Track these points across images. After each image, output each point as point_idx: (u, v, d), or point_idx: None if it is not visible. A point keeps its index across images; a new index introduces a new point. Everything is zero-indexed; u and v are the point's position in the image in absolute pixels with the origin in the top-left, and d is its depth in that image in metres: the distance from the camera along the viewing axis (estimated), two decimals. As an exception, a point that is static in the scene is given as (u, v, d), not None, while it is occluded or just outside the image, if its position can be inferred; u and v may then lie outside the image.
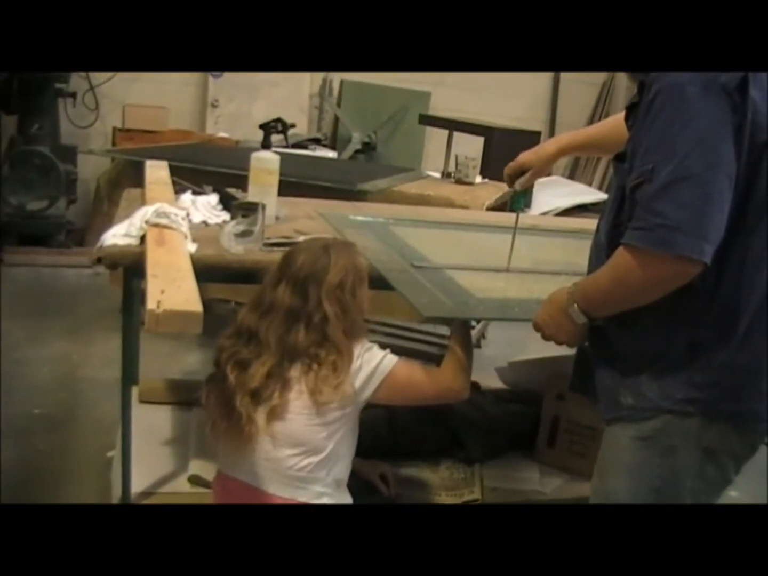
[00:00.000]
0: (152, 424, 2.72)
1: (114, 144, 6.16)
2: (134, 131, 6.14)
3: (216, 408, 1.92)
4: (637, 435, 1.57)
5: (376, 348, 1.97)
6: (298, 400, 1.87)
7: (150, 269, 1.76)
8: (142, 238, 2.15)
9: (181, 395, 2.93)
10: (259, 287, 1.99)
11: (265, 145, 2.70)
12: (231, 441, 1.90)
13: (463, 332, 2.07)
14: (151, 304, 1.50)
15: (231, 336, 1.96)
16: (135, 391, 2.80)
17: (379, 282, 2.09)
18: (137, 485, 2.34)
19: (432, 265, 2.26)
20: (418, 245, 2.51)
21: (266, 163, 2.59)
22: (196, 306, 1.53)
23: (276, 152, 2.64)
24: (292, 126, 3.18)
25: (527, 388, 3.15)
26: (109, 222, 3.89)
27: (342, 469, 1.98)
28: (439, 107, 6.91)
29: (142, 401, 2.91)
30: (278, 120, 2.85)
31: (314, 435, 1.89)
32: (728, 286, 1.47)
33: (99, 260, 2.15)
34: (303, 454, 1.89)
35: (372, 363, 1.93)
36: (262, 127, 2.73)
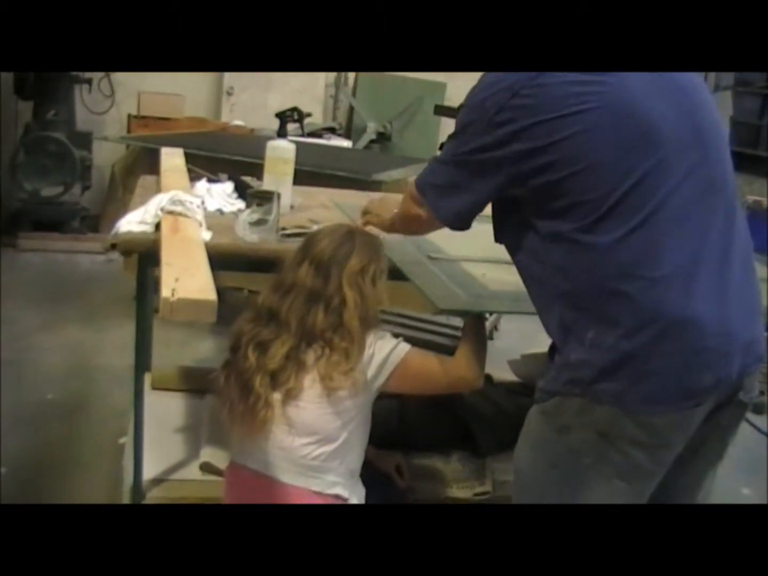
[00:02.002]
0: (164, 412, 2.72)
1: (129, 131, 6.17)
2: (149, 118, 6.15)
3: (234, 390, 1.92)
4: (540, 410, 1.62)
5: (388, 336, 1.97)
6: (311, 389, 1.88)
7: (164, 257, 1.76)
8: (157, 226, 2.15)
9: (194, 383, 2.93)
10: (281, 269, 1.98)
11: (281, 133, 2.69)
12: (246, 427, 1.90)
13: (477, 323, 2.07)
14: (165, 291, 1.50)
15: (251, 319, 1.96)
16: (147, 379, 2.81)
17: (394, 273, 2.09)
18: (148, 472, 2.34)
19: (447, 257, 2.25)
20: (434, 236, 2.49)
21: (282, 152, 2.58)
22: (210, 294, 1.53)
23: (291, 141, 2.63)
24: (308, 115, 3.18)
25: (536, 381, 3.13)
26: (124, 209, 3.90)
27: (355, 458, 1.98)
28: (454, 98, 6.87)
29: (154, 388, 2.91)
30: (294, 109, 2.86)
31: (328, 424, 1.89)
32: (594, 267, 1.49)
33: (113, 246, 2.15)
34: (317, 443, 1.89)
35: (384, 351, 1.93)
36: (278, 115, 2.73)
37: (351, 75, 7.04)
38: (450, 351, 2.08)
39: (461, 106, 1.65)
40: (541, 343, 3.43)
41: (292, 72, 6.26)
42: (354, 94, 7.08)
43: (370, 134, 6.84)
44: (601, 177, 1.47)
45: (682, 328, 1.47)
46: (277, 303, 1.93)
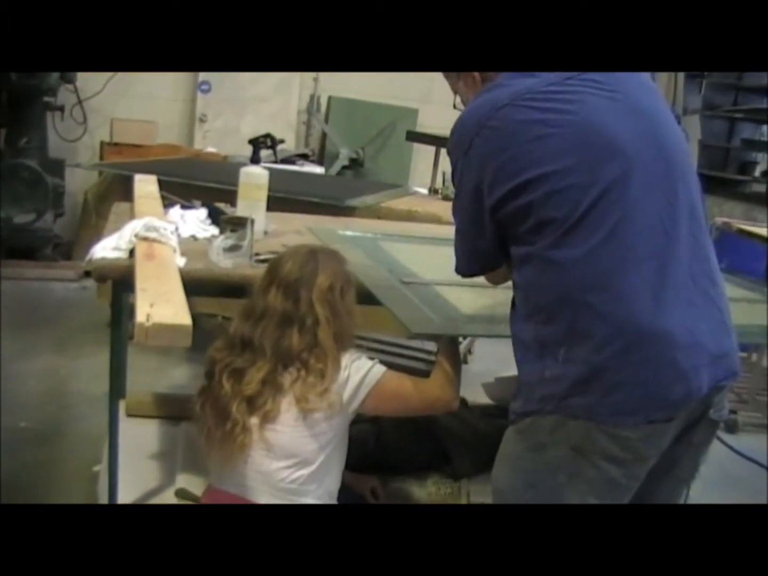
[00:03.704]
0: (139, 438, 2.71)
1: (102, 158, 6.17)
2: (122, 145, 6.15)
3: (210, 418, 1.93)
4: (515, 429, 1.65)
5: (364, 358, 1.99)
6: (288, 412, 1.89)
7: (139, 283, 1.77)
8: (131, 252, 2.16)
9: (169, 409, 2.92)
10: (249, 297, 2.00)
11: (254, 160, 2.71)
12: (224, 452, 1.91)
13: (452, 345, 2.10)
14: (140, 317, 1.51)
15: (223, 348, 1.98)
16: (122, 405, 2.80)
17: (367, 298, 2.11)
18: (123, 498, 2.33)
19: (420, 281, 2.27)
20: (407, 261, 2.53)
21: (255, 178, 2.60)
22: (185, 319, 1.54)
23: (264, 167, 2.65)
24: (281, 141, 3.19)
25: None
26: (97, 235, 3.90)
27: (333, 481, 1.99)
28: (425, 124, 6.93)
29: (129, 415, 2.90)
30: (267, 135, 2.87)
31: (305, 447, 1.91)
32: (564, 281, 1.52)
33: (87, 273, 2.16)
34: (294, 467, 1.90)
35: (360, 373, 1.95)
36: (251, 142, 2.75)
37: (323, 101, 7.08)
38: (425, 375, 2.10)
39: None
40: (514, 366, 3.45)
41: (266, 73, 6.29)
42: (326, 120, 7.12)
43: (342, 160, 6.87)
44: (566, 194, 1.52)
45: (651, 340, 1.50)
46: (250, 331, 1.94)
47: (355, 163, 6.98)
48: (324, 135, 7.12)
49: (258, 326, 1.94)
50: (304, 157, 6.46)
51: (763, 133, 7.37)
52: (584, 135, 1.54)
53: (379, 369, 1.98)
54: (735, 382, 1.67)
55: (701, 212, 1.66)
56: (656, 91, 1.69)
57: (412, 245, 2.87)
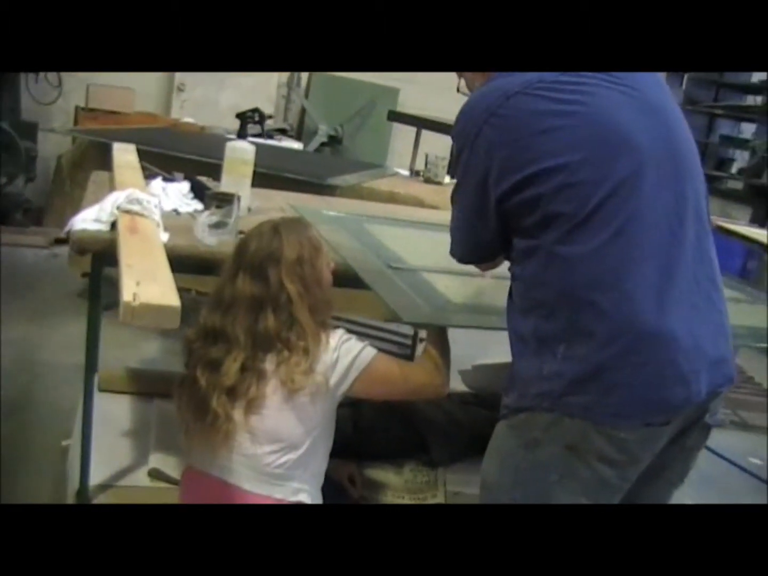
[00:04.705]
0: (111, 414, 2.65)
1: (76, 123, 6.05)
2: (98, 111, 6.03)
3: (188, 412, 1.88)
4: (508, 424, 1.63)
5: (354, 340, 1.95)
6: (275, 395, 1.85)
7: (124, 258, 1.70)
8: (113, 225, 2.09)
9: (142, 385, 2.86)
10: (216, 284, 1.95)
11: (241, 134, 2.64)
12: (207, 441, 1.86)
13: (440, 332, 2.06)
14: (126, 296, 1.44)
15: (197, 338, 1.92)
16: (95, 380, 2.74)
17: (353, 281, 2.06)
18: (95, 477, 2.27)
19: (408, 267, 2.23)
20: (393, 245, 2.48)
21: (242, 153, 2.54)
22: (173, 300, 1.48)
23: (251, 143, 2.59)
24: (270, 117, 3.12)
25: (492, 392, 3.12)
26: (71, 203, 3.82)
27: (318, 465, 1.96)
28: (407, 104, 6.88)
29: (101, 390, 2.83)
30: (255, 110, 2.80)
31: (292, 431, 1.86)
32: (569, 277, 1.49)
33: (58, 241, 2.10)
34: (281, 451, 1.86)
35: (350, 355, 1.91)
36: (239, 116, 2.68)
37: (304, 76, 7.00)
38: (400, 358, 2.06)
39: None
40: (491, 353, 3.45)
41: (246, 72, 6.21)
42: (306, 95, 7.04)
43: (321, 137, 6.81)
44: (577, 188, 1.48)
45: (654, 342, 1.48)
46: (221, 321, 1.89)
47: (333, 140, 6.93)
48: (303, 110, 7.05)
49: (228, 314, 1.89)
50: (283, 132, 6.38)
51: (741, 131, 7.40)
52: (597, 129, 1.50)
53: (370, 351, 1.94)
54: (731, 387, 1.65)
55: (706, 214, 1.64)
56: (667, 88, 1.66)
57: (397, 228, 2.82)
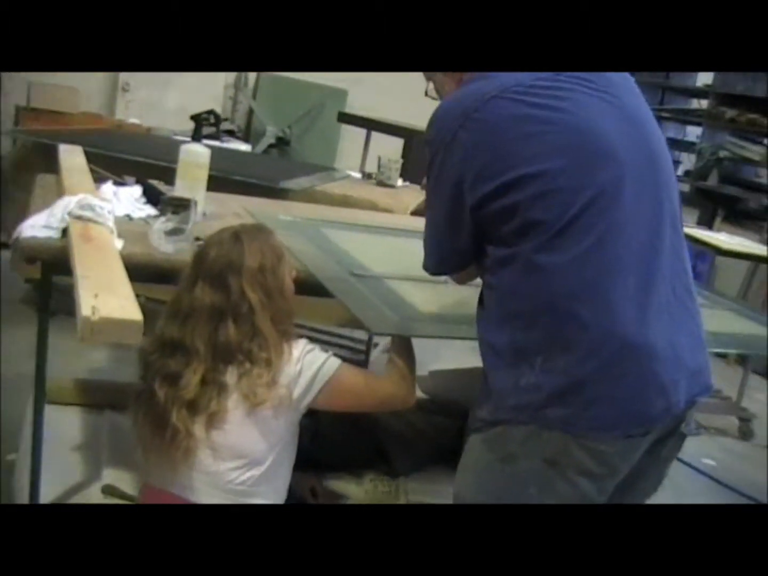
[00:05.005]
0: (60, 428, 2.55)
1: (17, 123, 5.86)
2: (41, 111, 5.84)
3: (146, 427, 1.80)
4: (482, 438, 1.58)
5: (317, 350, 1.90)
6: (236, 410, 1.78)
7: (79, 269, 1.62)
8: (64, 231, 2.00)
9: (92, 397, 2.76)
10: (174, 294, 1.87)
11: (196, 137, 2.57)
12: (166, 457, 1.78)
13: (405, 341, 2.02)
14: (85, 310, 1.36)
15: (154, 349, 1.84)
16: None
17: (317, 290, 2.01)
18: (45, 494, 2.18)
19: (371, 274, 2.17)
20: (353, 251, 2.42)
21: (196, 157, 2.46)
22: (135, 313, 1.40)
23: (210, 146, 2.51)
24: (226, 120, 3.04)
25: (451, 399, 3.08)
26: (14, 207, 3.68)
27: (282, 481, 1.91)
28: (355, 106, 6.82)
29: (49, 402, 2.71)
30: (211, 111, 2.71)
31: (255, 446, 1.80)
32: (548, 287, 1.46)
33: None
34: (244, 467, 1.80)
35: (314, 367, 1.86)
36: (193, 118, 2.60)
37: (251, 76, 6.90)
38: (354, 364, 2.01)
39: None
40: (445, 358, 3.40)
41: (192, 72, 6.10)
42: (254, 96, 6.94)
43: (269, 138, 6.72)
44: (557, 196, 1.45)
45: (635, 353, 1.45)
46: (179, 331, 1.82)
47: (281, 142, 6.85)
48: (251, 111, 6.96)
49: (187, 325, 1.81)
50: (230, 133, 6.27)
51: (686, 134, 7.48)
52: (578, 136, 1.47)
53: (334, 362, 1.88)
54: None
55: (681, 223, 1.62)
56: (640, 94, 1.63)
57: (354, 233, 2.77)
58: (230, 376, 1.79)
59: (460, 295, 2.16)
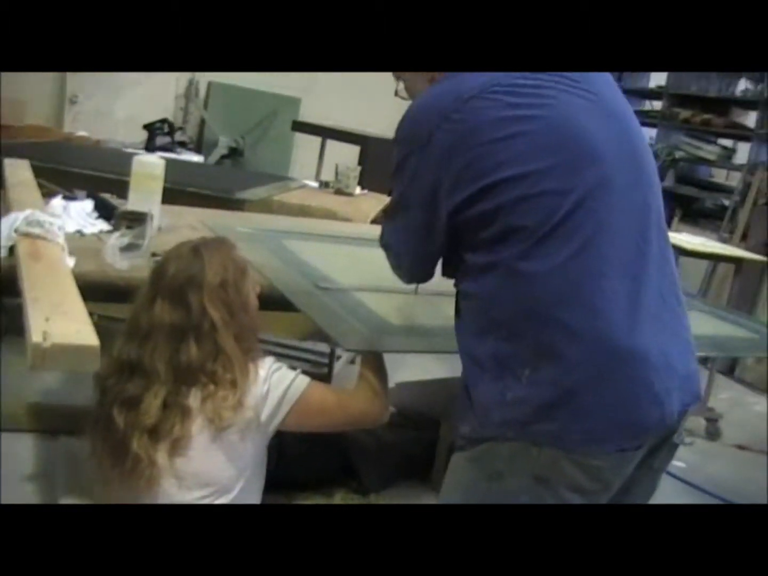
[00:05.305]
0: (12, 456, 2.43)
1: (-40, 138, 5.69)
2: (-17, 125, 5.68)
3: (105, 456, 1.70)
4: (467, 457, 1.50)
5: (284, 368, 1.81)
6: (201, 435, 1.68)
7: (28, 290, 1.51)
8: (11, 250, 1.89)
9: (45, 422, 2.65)
10: (131, 312, 1.77)
11: (150, 147, 2.46)
12: (128, 487, 1.68)
13: (376, 356, 1.93)
14: (35, 335, 1.26)
15: (110, 373, 1.73)
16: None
17: (281, 304, 1.92)
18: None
19: (337, 287, 2.09)
20: (316, 262, 2.34)
21: (151, 168, 2.36)
22: (90, 338, 1.30)
23: (163, 157, 2.41)
24: (180, 129, 2.94)
25: (419, 412, 3.01)
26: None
27: None
28: (308, 114, 6.73)
29: (-1, 429, 2.61)
30: (164, 120, 2.61)
31: (222, 473, 1.71)
32: (533, 295, 1.38)
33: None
34: (212, 495, 1.71)
35: (281, 386, 1.77)
36: (146, 127, 2.50)
37: (202, 86, 6.78)
38: (311, 377, 1.92)
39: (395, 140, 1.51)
40: (411, 366, 3.33)
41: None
42: (205, 106, 6.82)
43: (221, 149, 6.60)
44: (540, 200, 1.37)
45: (626, 361, 1.38)
46: (137, 352, 1.72)
47: (234, 153, 6.74)
48: (202, 122, 6.83)
49: (146, 345, 1.72)
50: (182, 144, 6.15)
51: (641, 135, 7.48)
52: (561, 136, 1.40)
53: (303, 380, 1.79)
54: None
55: (665, 224, 1.56)
56: (620, 91, 1.57)
57: (316, 244, 2.69)
58: (193, 399, 1.70)
59: (431, 304, 2.09)
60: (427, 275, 1.64)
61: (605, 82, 1.51)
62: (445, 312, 2.01)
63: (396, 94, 1.66)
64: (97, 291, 1.90)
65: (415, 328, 1.95)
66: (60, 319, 1.35)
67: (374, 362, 1.92)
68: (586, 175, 1.39)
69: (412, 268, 1.63)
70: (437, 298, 2.13)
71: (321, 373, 3.93)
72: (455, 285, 1.57)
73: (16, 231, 1.92)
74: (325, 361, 3.96)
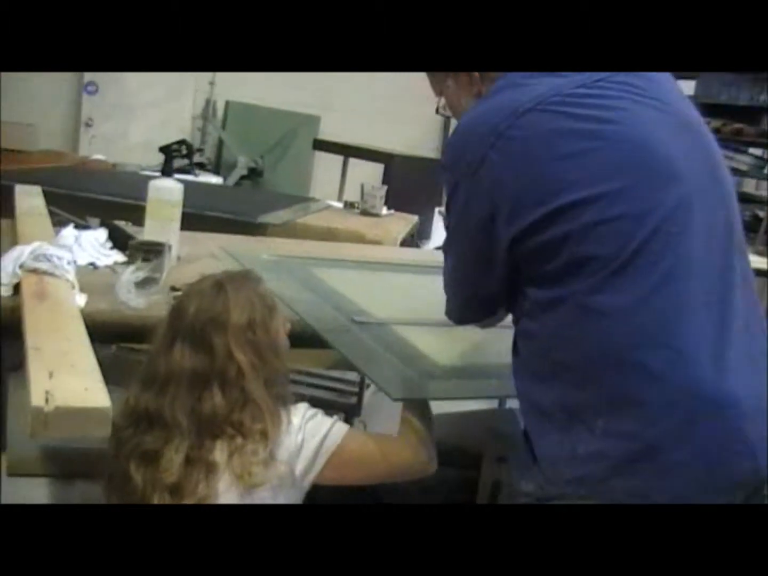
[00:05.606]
0: (28, 502, 2.26)
1: (-28, 164, 5.57)
2: (-4, 150, 5.56)
3: None
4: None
5: (320, 415, 1.63)
6: (229, 492, 1.50)
7: (30, 337, 1.33)
8: (16, 288, 1.71)
9: (60, 466, 2.48)
10: (148, 356, 1.60)
11: (166, 171, 2.28)
12: None
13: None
14: (35, 397, 1.06)
15: (127, 424, 1.55)
16: (3, 463, 2.36)
17: (314, 341, 1.74)
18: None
19: (375, 321, 1.90)
20: (348, 292, 2.16)
21: (168, 194, 2.18)
22: (100, 398, 1.10)
23: (180, 180, 2.24)
24: (199, 150, 2.78)
25: (456, 446, 2.81)
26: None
27: None
28: (327, 132, 6.60)
29: (10, 474, 2.45)
30: (182, 142, 2.44)
31: None
32: (607, 334, 1.23)
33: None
34: None
35: (318, 436, 1.59)
36: (162, 150, 2.32)
37: (220, 106, 6.66)
38: (344, 409, 1.74)
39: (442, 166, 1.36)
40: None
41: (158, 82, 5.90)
42: (223, 126, 6.69)
43: (240, 169, 6.47)
44: (614, 225, 1.21)
45: (716, 408, 1.21)
46: (155, 402, 1.54)
47: (253, 173, 6.60)
48: (220, 142, 6.70)
49: (165, 394, 1.54)
50: (200, 166, 6.01)
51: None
52: (634, 152, 1.23)
53: (341, 428, 1.61)
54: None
55: (745, 244, 1.38)
56: (689, 101, 1.40)
57: (348, 271, 2.50)
58: (219, 453, 1.52)
59: (481, 339, 1.90)
60: (480, 315, 1.51)
61: (673, 89, 1.35)
62: (499, 348, 1.82)
63: (437, 111, 1.50)
64: (110, 332, 1.72)
65: (464, 369, 1.76)
66: (65, 374, 1.17)
67: (419, 406, 1.73)
68: (663, 195, 1.23)
69: (463, 307, 1.49)
70: (488, 330, 1.95)
71: (350, 403, 3.75)
72: (514, 322, 1.39)
73: (21, 267, 1.75)
74: (355, 390, 3.78)
